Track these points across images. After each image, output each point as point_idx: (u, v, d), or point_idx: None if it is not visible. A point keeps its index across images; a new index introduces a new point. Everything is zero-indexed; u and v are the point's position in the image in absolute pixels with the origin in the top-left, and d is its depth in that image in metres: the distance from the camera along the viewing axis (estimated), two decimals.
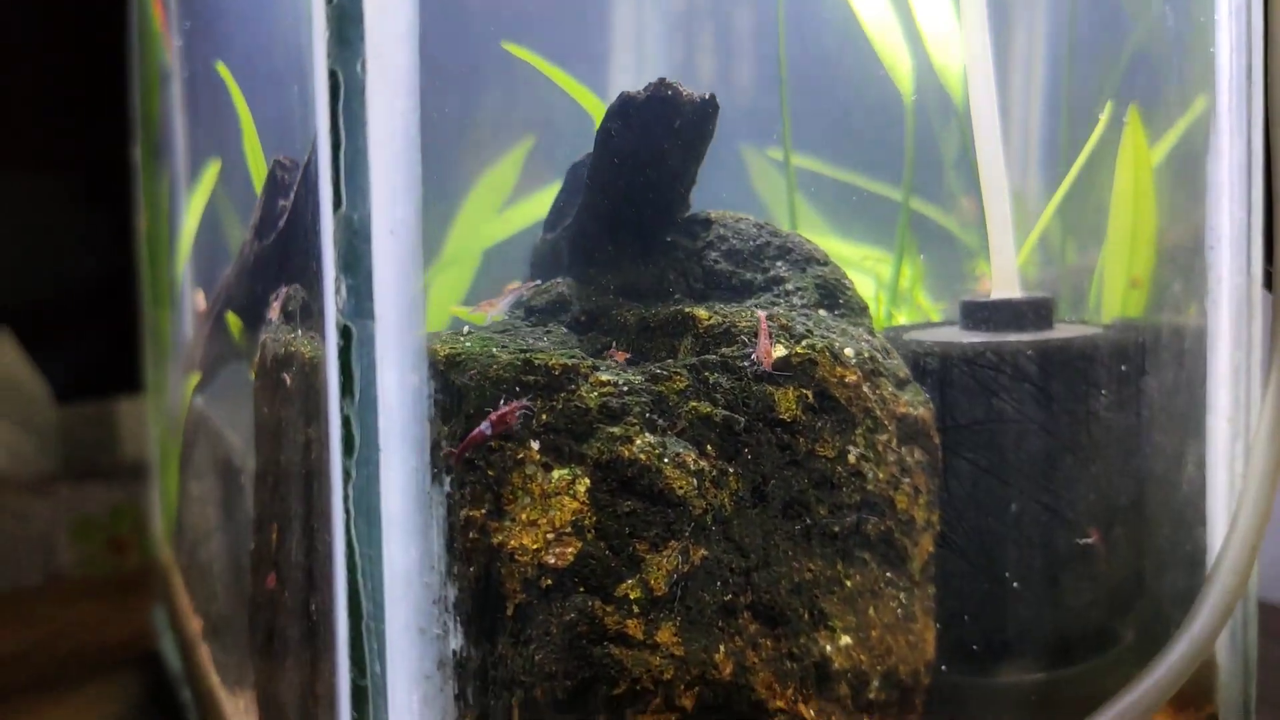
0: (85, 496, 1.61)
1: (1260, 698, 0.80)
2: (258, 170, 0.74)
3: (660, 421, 0.63)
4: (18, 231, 1.75)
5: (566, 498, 0.60)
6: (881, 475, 0.68)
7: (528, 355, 0.62)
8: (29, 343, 1.71)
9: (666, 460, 0.61)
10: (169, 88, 1.04)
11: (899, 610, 0.69)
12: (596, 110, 0.80)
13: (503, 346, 0.64)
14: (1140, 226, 0.81)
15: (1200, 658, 0.71)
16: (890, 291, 0.89)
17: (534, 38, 0.83)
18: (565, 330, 0.71)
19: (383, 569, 0.54)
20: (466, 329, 0.71)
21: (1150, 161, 0.80)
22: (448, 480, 0.59)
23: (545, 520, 0.60)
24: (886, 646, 0.68)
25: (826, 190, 0.89)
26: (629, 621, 0.59)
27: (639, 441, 0.61)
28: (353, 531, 0.54)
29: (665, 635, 0.60)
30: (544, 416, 0.61)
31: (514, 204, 0.89)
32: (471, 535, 0.60)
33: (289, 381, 0.66)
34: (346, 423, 0.54)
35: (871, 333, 0.73)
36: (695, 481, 0.62)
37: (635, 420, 0.62)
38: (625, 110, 0.68)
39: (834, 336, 0.68)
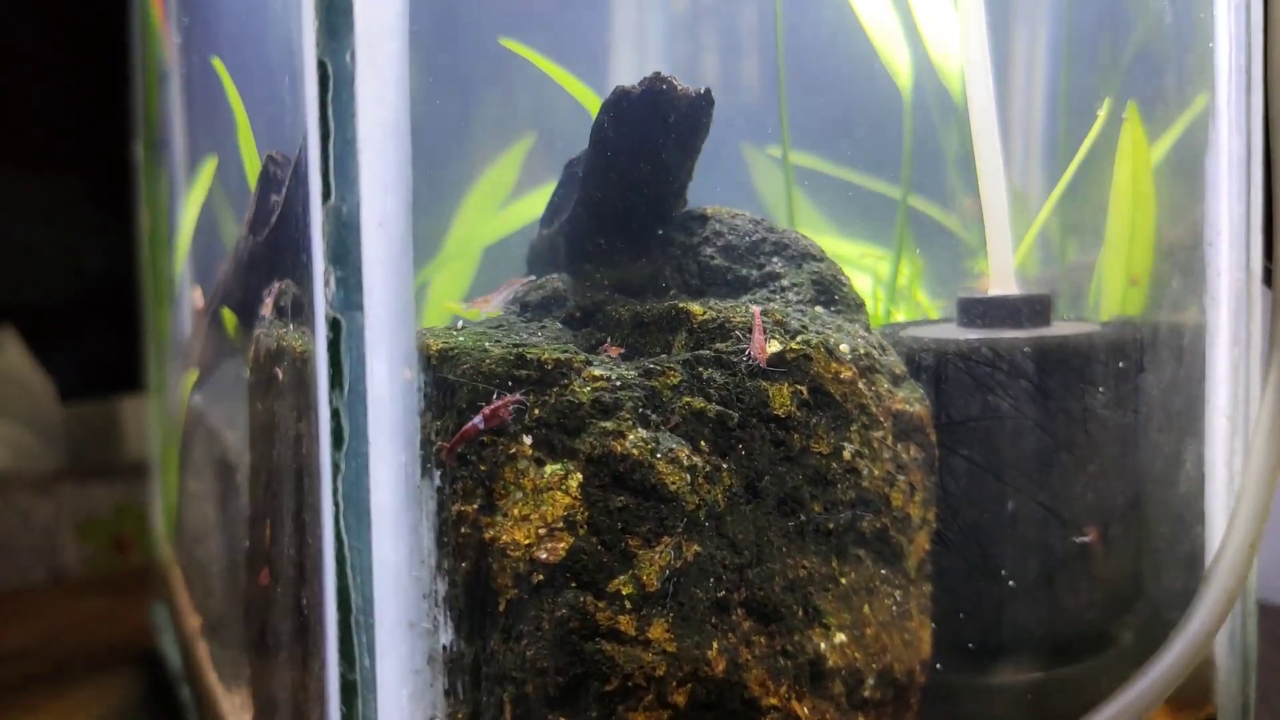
0: (89, 495, 1.62)
1: (1259, 699, 0.80)
2: (252, 166, 0.74)
3: (653, 417, 0.62)
4: (22, 230, 1.75)
5: (558, 493, 0.60)
6: (877, 472, 0.68)
7: (520, 350, 0.62)
8: (33, 341, 1.72)
9: (659, 455, 0.61)
10: (168, 85, 1.04)
11: (894, 608, 0.68)
12: (595, 106, 0.79)
13: (496, 341, 0.64)
14: (1139, 224, 0.81)
15: (1198, 657, 0.71)
16: (888, 289, 0.88)
17: (535, 35, 0.83)
18: (560, 325, 0.71)
19: (372, 563, 0.54)
20: (460, 323, 0.70)
21: (1149, 158, 0.80)
22: (438, 474, 0.59)
23: (537, 515, 0.59)
24: (882, 644, 0.67)
25: (827, 188, 0.89)
26: (621, 617, 0.59)
27: (632, 437, 0.61)
28: (342, 525, 0.54)
29: (657, 631, 0.59)
30: (536, 411, 0.61)
31: (514, 201, 0.88)
32: (463, 530, 0.60)
33: (281, 376, 0.66)
34: (335, 416, 0.53)
35: (868, 329, 0.72)
36: (688, 477, 0.61)
37: (628, 415, 0.62)
38: (620, 105, 0.68)
39: (829, 332, 0.68)
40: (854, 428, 0.67)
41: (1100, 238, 0.85)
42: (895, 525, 0.68)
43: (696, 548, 0.61)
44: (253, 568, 0.74)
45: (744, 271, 0.73)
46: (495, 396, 0.60)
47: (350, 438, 0.53)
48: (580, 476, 0.60)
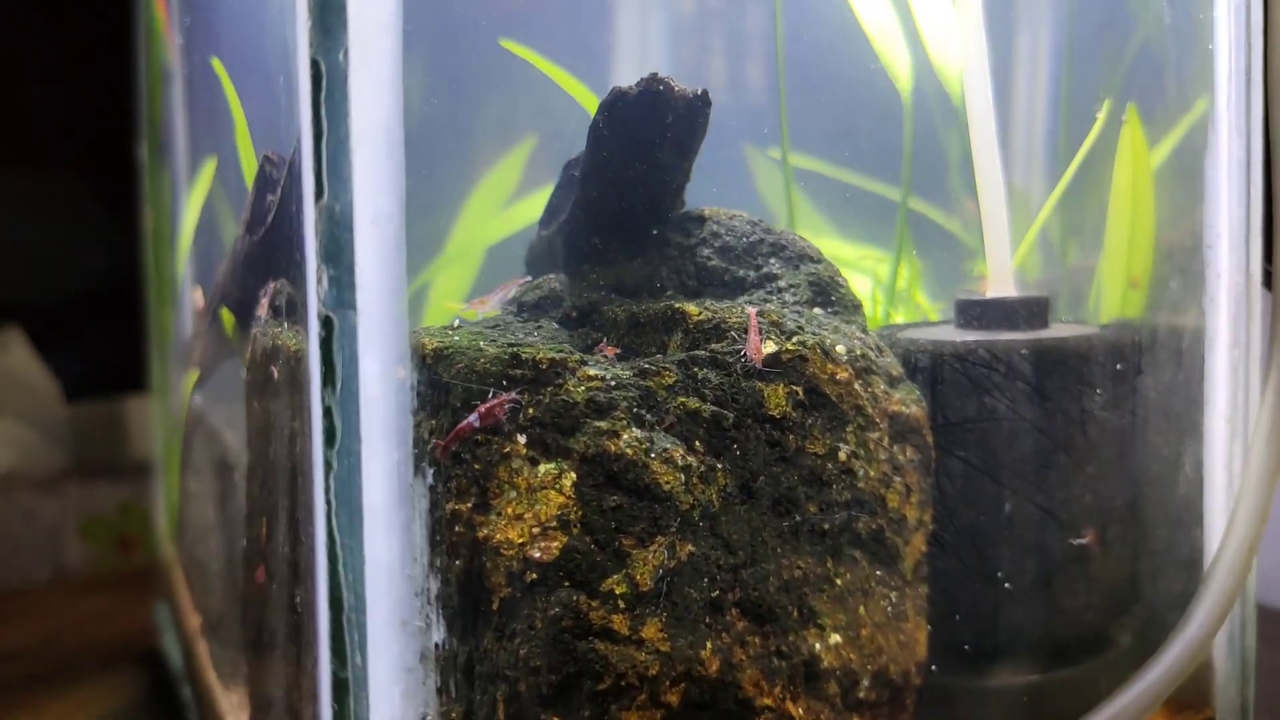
0: (94, 494, 1.62)
1: (1259, 703, 0.80)
2: (249, 166, 0.74)
3: (648, 416, 0.62)
4: (28, 230, 1.76)
5: (552, 492, 0.60)
6: (873, 473, 0.68)
7: (515, 349, 0.62)
8: (39, 341, 1.72)
9: (653, 455, 0.61)
10: (171, 85, 1.05)
11: (890, 609, 0.68)
12: (595, 107, 0.80)
13: (491, 341, 0.64)
14: (1139, 226, 0.81)
15: (1197, 660, 0.71)
16: (888, 291, 0.88)
17: (538, 37, 0.83)
18: (556, 326, 0.71)
19: (364, 561, 0.54)
20: (457, 323, 0.71)
21: (1149, 160, 0.80)
22: (430, 473, 0.59)
23: (531, 514, 0.59)
24: (877, 645, 0.67)
25: (829, 190, 0.89)
26: (614, 617, 0.59)
27: (626, 436, 0.61)
28: (334, 523, 0.54)
29: (651, 631, 0.59)
30: (531, 410, 0.61)
31: (517, 201, 0.89)
32: (457, 529, 0.60)
33: (276, 375, 0.66)
34: (328, 414, 0.53)
35: (865, 330, 0.72)
36: (683, 477, 0.61)
37: (622, 415, 0.62)
38: (616, 105, 0.68)
39: (826, 333, 0.68)
40: (850, 429, 0.67)
41: (1101, 240, 0.84)
42: (891, 526, 0.68)
43: (690, 548, 0.61)
44: (249, 566, 0.74)
45: (741, 272, 0.73)
46: (491, 395, 0.60)
47: (342, 436, 0.54)
48: (574, 476, 0.60)
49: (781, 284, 0.73)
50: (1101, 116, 0.81)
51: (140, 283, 1.36)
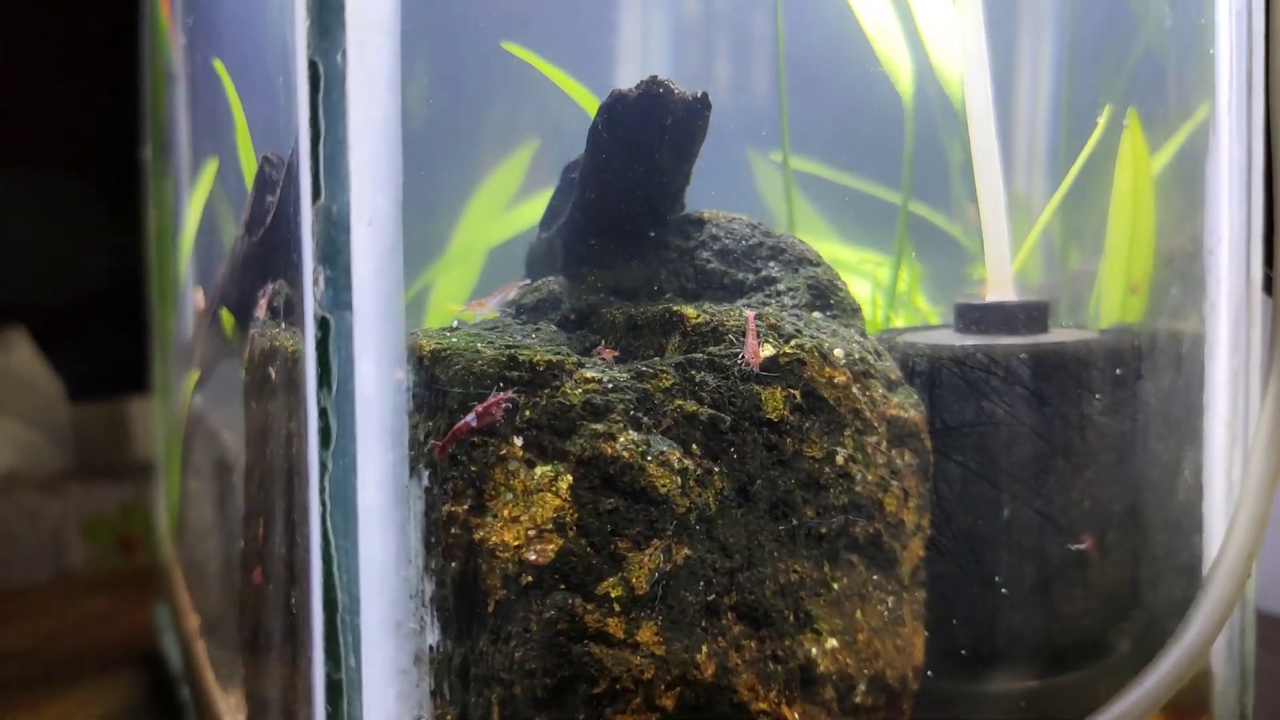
0: (96, 495, 1.62)
1: (1258, 709, 0.79)
2: (249, 167, 0.75)
3: (645, 419, 0.62)
4: (32, 231, 1.76)
5: (548, 494, 0.60)
6: (870, 477, 0.67)
7: (512, 351, 0.62)
8: (43, 341, 1.73)
9: (650, 458, 0.61)
10: (175, 86, 1.05)
11: (887, 614, 0.68)
12: (595, 109, 0.80)
13: (489, 343, 0.64)
14: (1139, 231, 0.81)
15: (1195, 667, 0.70)
16: (888, 294, 0.88)
17: (541, 40, 0.83)
18: (555, 328, 0.71)
19: (358, 562, 0.54)
20: (455, 324, 0.71)
21: (1149, 165, 0.80)
22: (426, 474, 0.59)
23: (527, 517, 0.59)
24: (874, 650, 0.67)
25: (831, 194, 0.89)
26: (610, 620, 0.59)
27: (622, 439, 0.61)
28: (329, 524, 0.54)
29: (646, 634, 0.59)
30: (527, 413, 0.61)
31: (520, 203, 0.89)
32: (453, 531, 0.60)
33: (274, 376, 0.66)
34: (324, 415, 0.54)
35: (863, 334, 0.72)
36: (679, 480, 0.61)
37: (619, 417, 0.62)
38: (615, 108, 0.68)
39: (824, 337, 0.68)
40: (847, 432, 0.67)
41: (1102, 245, 0.84)
42: (889, 531, 0.68)
43: (687, 551, 0.61)
44: (247, 567, 0.74)
45: (740, 275, 0.73)
46: (488, 397, 0.60)
47: (338, 437, 0.54)
48: (570, 478, 0.60)
49: (780, 287, 0.73)
50: (1102, 121, 0.81)
51: (144, 283, 1.36)
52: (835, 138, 0.87)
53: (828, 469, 0.66)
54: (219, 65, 0.80)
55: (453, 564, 0.60)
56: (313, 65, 0.52)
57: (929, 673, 0.70)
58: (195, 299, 0.96)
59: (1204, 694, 0.78)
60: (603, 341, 0.69)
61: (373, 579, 0.55)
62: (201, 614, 0.98)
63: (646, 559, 0.60)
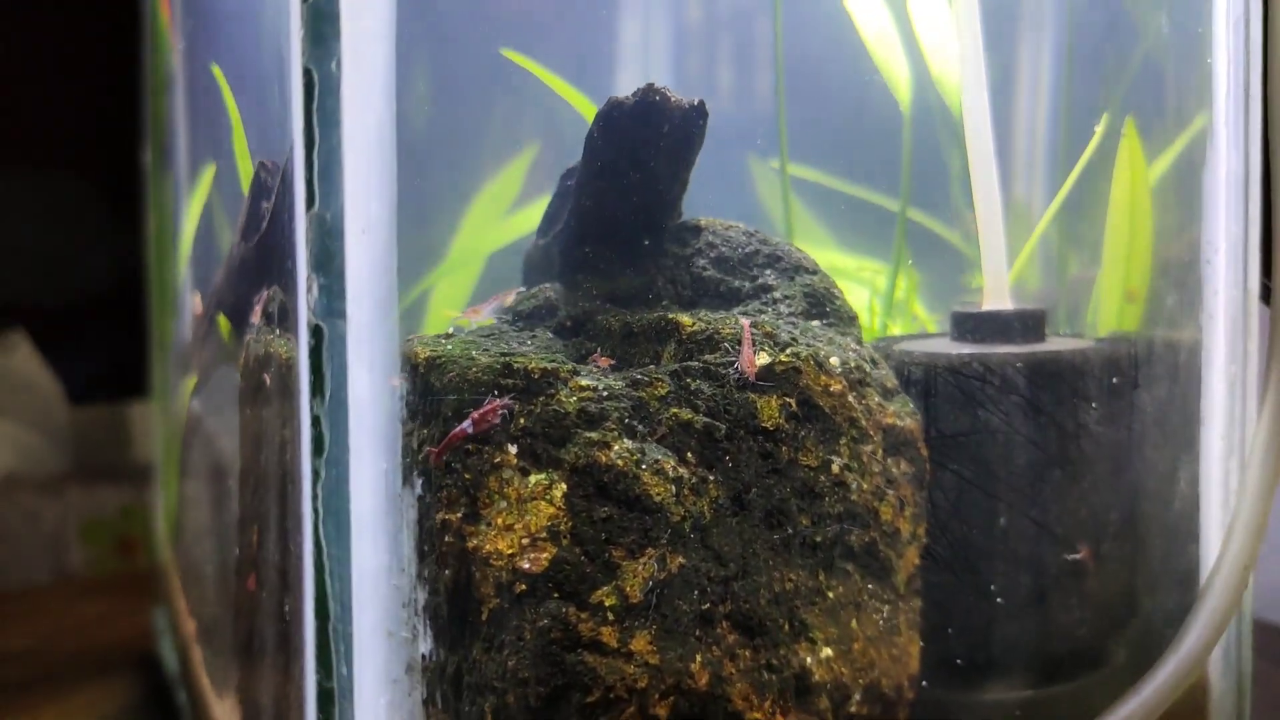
0: (95, 497, 1.62)
1: (1255, 719, 0.79)
2: (246, 172, 0.75)
3: (640, 427, 0.62)
4: (32, 233, 1.77)
5: (543, 502, 0.60)
6: (866, 486, 0.67)
7: (507, 359, 0.62)
8: (43, 344, 1.73)
9: (644, 466, 0.61)
10: (174, 90, 1.05)
11: (882, 623, 0.68)
12: (593, 116, 0.80)
13: (484, 350, 0.64)
14: (1137, 239, 0.81)
15: (1191, 677, 0.70)
16: (885, 302, 0.88)
17: (540, 47, 0.83)
18: (550, 335, 0.71)
19: (351, 570, 0.54)
20: (451, 330, 0.70)
21: (1147, 174, 0.79)
22: (419, 482, 0.59)
23: (521, 525, 0.59)
24: (869, 660, 0.67)
25: (830, 201, 0.89)
26: (604, 629, 0.59)
27: (617, 447, 0.61)
28: (321, 532, 0.54)
29: (640, 643, 0.59)
30: (522, 420, 0.61)
31: (519, 209, 0.89)
32: (446, 539, 0.60)
33: (268, 383, 0.66)
34: (316, 423, 0.53)
35: (860, 342, 0.72)
36: (674, 488, 0.61)
37: (614, 426, 0.62)
38: (611, 115, 0.68)
39: (820, 345, 0.68)
40: (843, 441, 0.67)
41: (1100, 253, 0.84)
42: (884, 540, 0.68)
43: (681, 560, 0.61)
44: (241, 573, 0.74)
45: (736, 283, 0.73)
46: (485, 403, 0.60)
47: (331, 445, 0.54)
48: (564, 486, 0.60)
49: (777, 295, 0.73)
50: (1100, 129, 0.81)
51: (144, 286, 1.36)
52: (834, 145, 0.87)
53: (823, 477, 0.66)
54: (217, 70, 0.80)
55: (446, 572, 0.60)
56: (307, 73, 0.52)
57: (924, 682, 0.70)
58: (193, 303, 0.96)
59: (1200, 704, 0.78)
60: (598, 349, 0.69)
61: (365, 587, 0.55)
62: (197, 619, 0.98)
63: (641, 567, 0.60)
